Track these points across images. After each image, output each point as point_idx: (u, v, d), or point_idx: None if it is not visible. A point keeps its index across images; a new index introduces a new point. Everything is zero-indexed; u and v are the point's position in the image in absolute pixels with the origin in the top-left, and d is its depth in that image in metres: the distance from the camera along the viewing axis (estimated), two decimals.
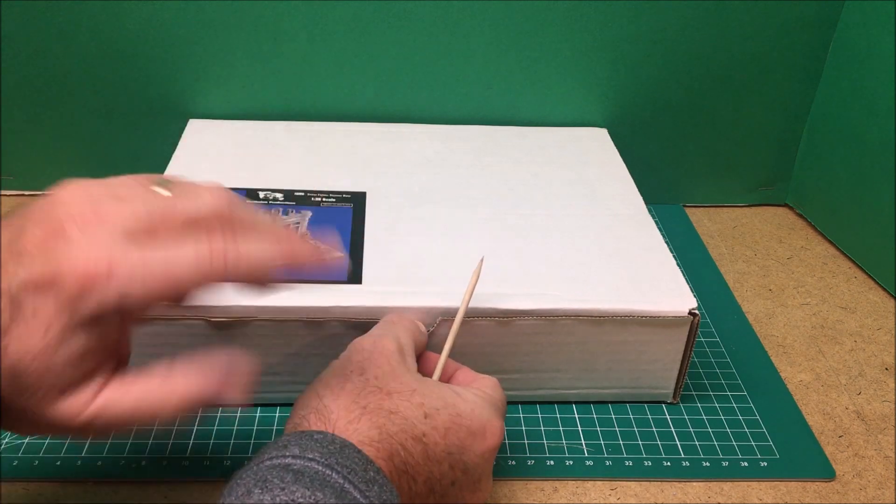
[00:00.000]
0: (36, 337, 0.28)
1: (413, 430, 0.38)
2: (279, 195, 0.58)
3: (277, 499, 0.31)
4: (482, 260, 0.48)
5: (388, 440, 0.37)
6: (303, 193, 0.58)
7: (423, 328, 0.47)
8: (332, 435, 0.35)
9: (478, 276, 0.46)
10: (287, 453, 0.34)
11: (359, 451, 0.35)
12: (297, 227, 0.54)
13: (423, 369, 0.44)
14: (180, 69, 0.68)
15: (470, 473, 0.40)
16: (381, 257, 0.52)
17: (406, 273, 0.51)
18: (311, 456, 0.34)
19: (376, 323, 0.47)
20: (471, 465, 0.39)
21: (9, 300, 0.28)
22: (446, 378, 0.45)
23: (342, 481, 0.33)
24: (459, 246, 0.54)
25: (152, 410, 0.32)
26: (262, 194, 0.58)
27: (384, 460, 0.36)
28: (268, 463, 0.33)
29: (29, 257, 0.29)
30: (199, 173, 0.60)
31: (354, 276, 0.50)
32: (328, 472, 0.33)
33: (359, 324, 0.48)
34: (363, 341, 0.42)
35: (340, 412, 0.37)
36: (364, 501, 0.33)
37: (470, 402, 0.40)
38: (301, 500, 0.31)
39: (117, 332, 0.32)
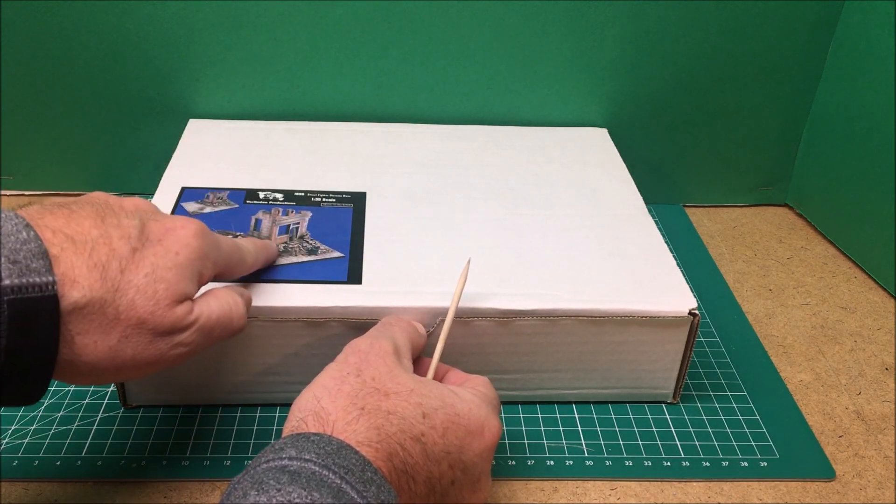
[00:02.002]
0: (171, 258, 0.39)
1: (412, 430, 0.38)
2: (279, 195, 0.58)
3: (274, 500, 0.31)
4: (469, 262, 0.48)
5: (386, 440, 0.36)
6: (303, 193, 0.58)
7: (421, 329, 0.47)
8: (329, 436, 0.35)
9: (465, 278, 0.47)
10: (283, 455, 0.34)
11: (356, 452, 0.35)
12: (297, 228, 0.54)
13: (416, 372, 0.44)
14: (180, 69, 0.68)
15: (469, 472, 0.40)
16: (381, 257, 0.52)
17: (406, 273, 0.51)
18: (307, 457, 0.34)
19: (376, 323, 0.47)
20: (470, 465, 0.39)
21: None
22: (438, 380, 0.45)
23: (339, 481, 0.33)
24: (459, 246, 0.54)
25: (230, 310, 0.42)
26: (262, 194, 0.58)
27: (383, 461, 0.36)
28: (264, 466, 0.33)
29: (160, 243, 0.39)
30: (199, 173, 0.60)
31: (354, 276, 0.50)
32: (325, 472, 0.33)
33: (359, 324, 0.48)
34: (360, 342, 0.42)
35: (339, 413, 0.37)
36: (361, 502, 0.33)
37: (467, 402, 0.40)
38: (297, 500, 0.31)
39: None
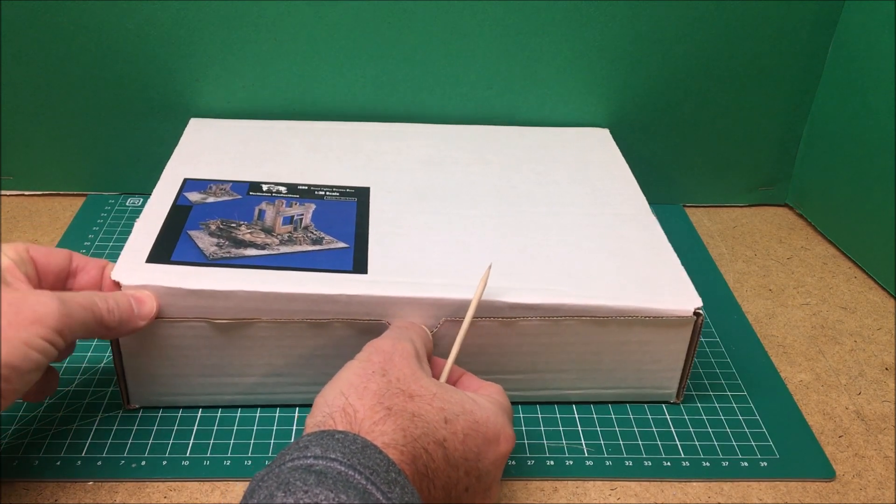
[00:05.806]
0: None
1: (435, 435, 0.38)
2: (282, 188, 0.58)
3: (301, 501, 0.31)
4: (490, 266, 0.47)
5: (412, 444, 0.37)
6: (306, 187, 0.58)
7: (428, 333, 0.47)
8: (354, 435, 0.35)
9: (485, 283, 0.46)
10: (308, 454, 0.34)
11: (380, 452, 0.35)
12: (301, 219, 0.54)
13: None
14: (181, 69, 0.68)
15: (483, 480, 0.40)
16: (385, 249, 0.52)
17: (411, 264, 0.50)
18: (333, 456, 0.34)
19: (380, 319, 0.47)
20: (484, 472, 0.40)
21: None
22: (451, 383, 0.45)
23: (365, 482, 0.33)
24: (463, 241, 0.53)
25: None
26: (265, 187, 0.58)
27: (408, 464, 0.36)
28: (289, 464, 0.33)
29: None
30: (202, 167, 0.60)
31: (360, 266, 0.50)
32: (351, 472, 0.33)
33: (363, 325, 0.48)
34: (381, 343, 0.42)
35: (366, 412, 0.37)
36: (386, 503, 0.33)
37: (486, 410, 0.40)
38: (325, 501, 0.31)
39: None
